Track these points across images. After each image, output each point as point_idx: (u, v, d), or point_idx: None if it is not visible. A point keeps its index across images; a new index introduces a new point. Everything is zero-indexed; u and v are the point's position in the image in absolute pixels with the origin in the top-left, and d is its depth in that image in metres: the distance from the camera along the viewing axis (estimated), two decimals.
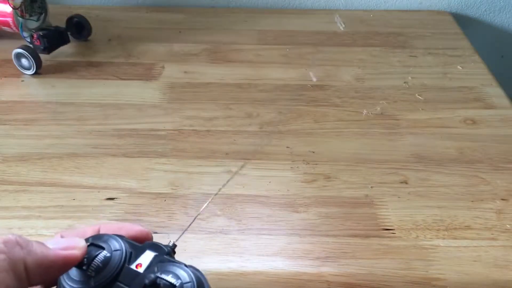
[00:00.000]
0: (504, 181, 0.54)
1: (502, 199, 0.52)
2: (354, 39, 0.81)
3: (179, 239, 0.32)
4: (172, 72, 0.73)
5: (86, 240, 0.28)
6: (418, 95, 0.68)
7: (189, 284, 0.27)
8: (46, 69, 0.73)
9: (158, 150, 0.58)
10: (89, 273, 0.27)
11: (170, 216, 0.50)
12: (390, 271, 0.45)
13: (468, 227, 0.49)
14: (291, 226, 0.49)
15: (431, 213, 0.51)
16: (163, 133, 0.61)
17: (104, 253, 0.28)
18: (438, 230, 0.49)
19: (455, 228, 0.49)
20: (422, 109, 0.65)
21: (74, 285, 0.27)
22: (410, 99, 0.67)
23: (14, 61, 0.70)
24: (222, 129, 0.62)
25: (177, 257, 0.46)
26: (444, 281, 0.44)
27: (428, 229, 0.49)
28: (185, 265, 0.28)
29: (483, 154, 0.58)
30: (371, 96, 0.67)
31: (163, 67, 0.74)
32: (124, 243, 0.28)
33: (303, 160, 0.57)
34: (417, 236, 0.48)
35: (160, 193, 0.53)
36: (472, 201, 0.52)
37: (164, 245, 0.30)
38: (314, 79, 0.67)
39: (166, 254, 0.29)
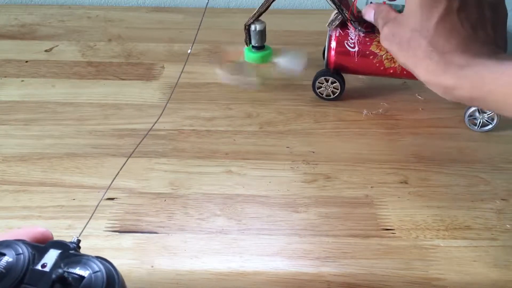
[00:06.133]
0: (504, 181, 0.54)
1: (502, 199, 0.52)
2: None
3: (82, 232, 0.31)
4: (172, 72, 0.73)
5: None
6: (418, 95, 0.68)
7: (99, 273, 0.27)
8: (46, 69, 0.73)
9: (158, 150, 0.58)
10: None
11: (170, 216, 0.50)
12: (390, 271, 0.45)
13: (468, 227, 0.49)
14: (291, 226, 0.49)
15: (431, 213, 0.51)
16: (163, 133, 0.61)
17: (6, 259, 0.27)
18: (438, 230, 0.49)
19: (455, 228, 0.49)
20: (422, 109, 0.65)
21: None
22: (410, 99, 0.67)
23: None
24: (222, 129, 0.62)
25: (177, 256, 0.46)
26: (444, 281, 0.44)
27: (428, 229, 0.49)
28: (93, 257, 0.28)
29: (483, 154, 0.58)
30: (371, 96, 0.67)
31: (163, 67, 0.74)
32: (25, 246, 0.28)
33: (303, 160, 0.57)
34: (417, 236, 0.48)
35: (160, 193, 0.53)
36: (472, 201, 0.52)
37: (69, 242, 0.30)
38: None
39: (71, 250, 0.29)
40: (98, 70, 0.73)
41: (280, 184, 0.54)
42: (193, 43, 0.54)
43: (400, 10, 0.60)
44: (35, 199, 0.52)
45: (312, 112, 0.64)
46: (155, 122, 0.49)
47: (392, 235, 0.48)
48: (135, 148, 0.47)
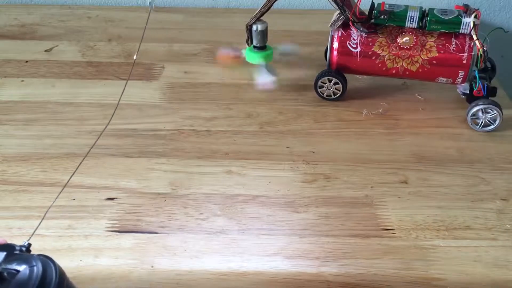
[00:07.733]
0: (504, 181, 0.54)
1: (502, 199, 0.52)
2: None
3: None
4: (172, 72, 0.73)
5: None
6: (418, 95, 0.68)
7: (34, 267, 0.28)
8: (46, 69, 0.73)
9: (158, 150, 0.58)
10: None
11: (170, 216, 0.50)
12: (390, 271, 0.45)
13: (468, 227, 0.49)
14: (291, 226, 0.49)
15: (431, 213, 0.51)
16: (163, 133, 0.61)
17: None
18: (438, 230, 0.49)
19: (455, 228, 0.49)
20: (422, 109, 0.65)
21: None
22: (410, 99, 0.67)
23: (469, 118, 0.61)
24: (222, 129, 0.62)
25: (177, 256, 0.46)
26: (444, 281, 0.44)
27: (428, 229, 0.49)
28: (35, 255, 0.29)
29: (483, 154, 0.58)
30: (371, 96, 0.67)
31: (163, 67, 0.74)
32: None
33: (303, 160, 0.57)
34: (417, 236, 0.48)
35: (160, 193, 0.53)
36: (472, 201, 0.52)
37: (18, 245, 0.31)
38: None
39: (16, 251, 0.30)
40: (98, 70, 0.73)
41: (280, 184, 0.54)
42: (140, 42, 0.54)
43: (401, 10, 0.60)
44: (35, 199, 0.52)
45: (312, 112, 0.64)
46: (108, 123, 0.49)
47: (392, 235, 0.48)
48: (91, 148, 0.47)
